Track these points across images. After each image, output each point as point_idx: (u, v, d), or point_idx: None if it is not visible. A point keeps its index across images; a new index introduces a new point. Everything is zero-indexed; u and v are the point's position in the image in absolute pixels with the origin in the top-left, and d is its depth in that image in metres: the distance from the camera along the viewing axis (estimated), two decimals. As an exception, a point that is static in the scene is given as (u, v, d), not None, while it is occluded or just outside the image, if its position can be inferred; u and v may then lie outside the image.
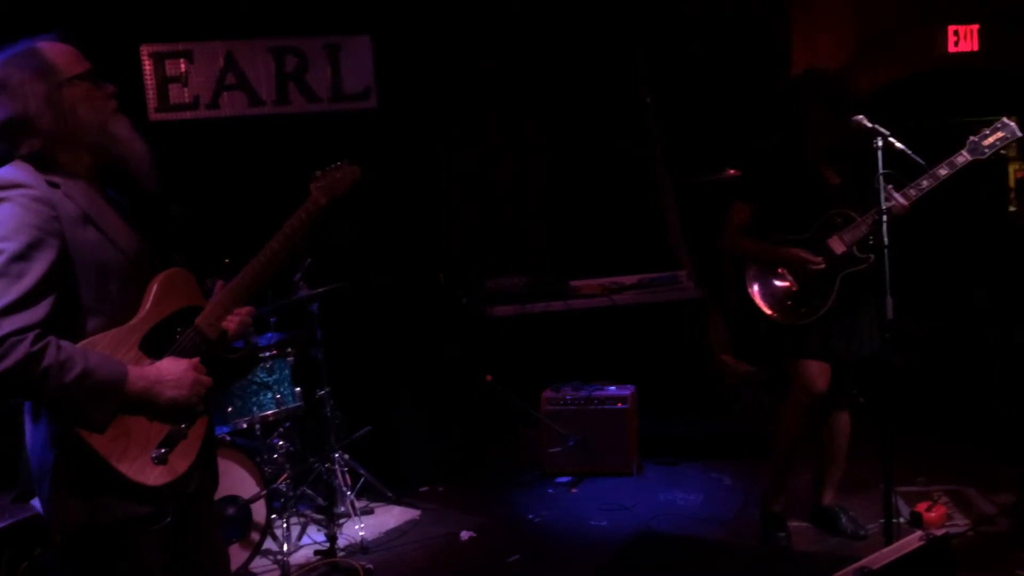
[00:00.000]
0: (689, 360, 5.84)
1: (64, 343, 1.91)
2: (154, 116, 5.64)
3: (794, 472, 3.91)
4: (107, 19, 5.18)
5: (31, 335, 1.85)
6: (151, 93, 5.64)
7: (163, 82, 5.66)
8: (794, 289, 3.58)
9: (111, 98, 2.15)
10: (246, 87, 5.78)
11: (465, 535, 4.28)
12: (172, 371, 2.06)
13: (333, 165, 2.52)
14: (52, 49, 2.09)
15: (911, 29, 6.13)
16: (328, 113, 5.88)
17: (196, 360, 2.13)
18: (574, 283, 5.87)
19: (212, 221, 4.74)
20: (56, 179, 2.02)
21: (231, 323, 2.27)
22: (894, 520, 3.25)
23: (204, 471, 2.25)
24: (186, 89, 5.70)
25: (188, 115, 5.71)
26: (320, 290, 4.35)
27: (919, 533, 2.37)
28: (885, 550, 2.36)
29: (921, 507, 3.88)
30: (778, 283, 3.63)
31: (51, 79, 2.04)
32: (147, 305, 2.12)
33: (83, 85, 2.09)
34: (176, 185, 4.90)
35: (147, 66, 5.64)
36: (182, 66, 5.69)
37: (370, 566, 3.92)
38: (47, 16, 4.87)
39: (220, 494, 3.78)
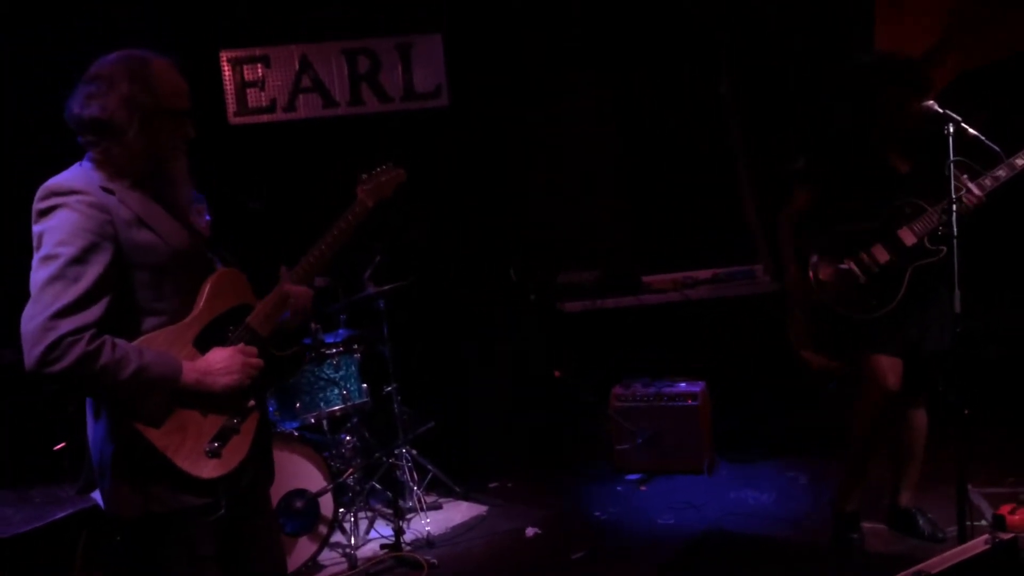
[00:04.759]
0: (766, 356, 5.70)
1: (119, 341, 1.98)
2: (233, 120, 5.81)
3: (869, 471, 3.78)
4: (187, 25, 5.36)
5: (87, 335, 1.93)
6: (230, 98, 5.80)
7: (241, 86, 5.81)
8: (862, 281, 3.46)
9: (184, 142, 2.23)
10: (321, 89, 5.90)
11: (530, 531, 4.29)
12: (220, 359, 2.13)
13: (378, 168, 2.57)
14: (168, 76, 2.17)
15: (1001, 10, 5.83)
16: (400, 112, 5.95)
17: (241, 344, 2.19)
18: (646, 278, 5.79)
19: (290, 218, 4.86)
20: (113, 185, 2.10)
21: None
22: (976, 523, 3.10)
23: (258, 465, 2.31)
24: (263, 93, 5.85)
25: (265, 118, 5.86)
26: (387, 287, 4.41)
27: (985, 536, 2.26)
28: (948, 553, 2.25)
29: (1004, 509, 3.69)
30: (845, 275, 3.50)
31: (156, 102, 2.12)
32: (200, 304, 2.19)
33: (174, 120, 2.17)
34: (255, 185, 5.10)
35: (226, 71, 5.81)
36: (259, 70, 5.84)
37: (434, 560, 3.96)
38: (133, 23, 5.09)
39: (288, 488, 3.88)
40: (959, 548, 2.32)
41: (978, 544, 2.26)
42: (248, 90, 5.84)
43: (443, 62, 5.95)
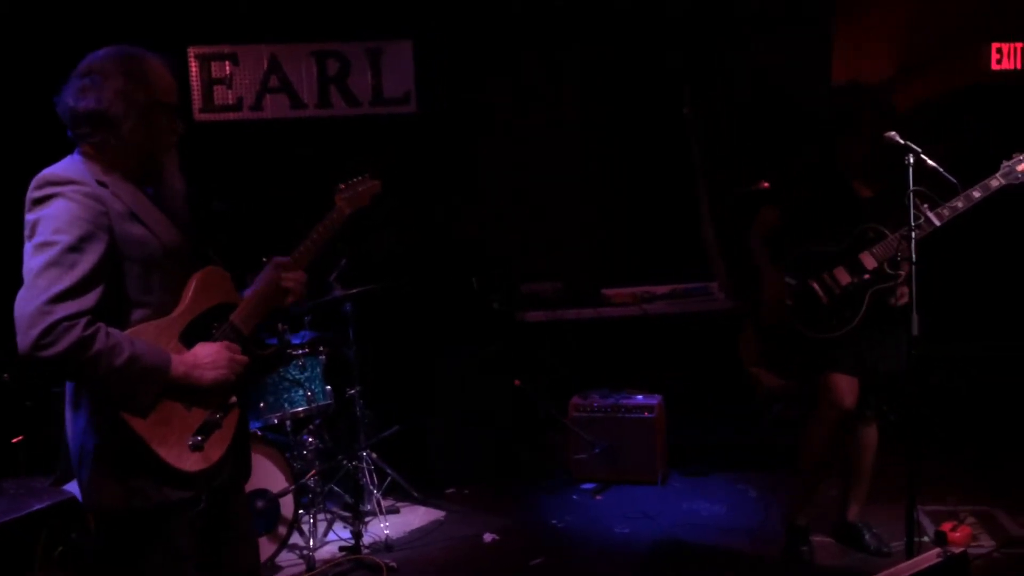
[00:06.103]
0: (719, 371, 5.83)
1: (112, 330, 2.00)
2: (199, 116, 5.78)
3: (821, 486, 3.91)
4: (156, 21, 5.33)
5: (83, 321, 1.94)
6: (196, 94, 5.77)
7: (208, 83, 5.79)
8: (824, 302, 3.59)
9: (176, 134, 2.28)
10: (289, 90, 5.89)
11: (488, 537, 4.34)
12: (207, 353, 2.16)
13: (356, 178, 2.65)
14: (160, 71, 2.22)
15: (954, 46, 6.06)
16: (368, 116, 5.97)
17: (227, 342, 2.22)
18: (606, 291, 5.88)
19: (254, 219, 4.85)
20: (106, 178, 2.12)
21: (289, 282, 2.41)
22: (919, 539, 3.22)
23: (237, 461, 2.34)
24: (230, 91, 5.83)
25: (232, 116, 5.84)
26: (353, 291, 4.43)
27: (936, 550, 2.37)
28: (901, 566, 2.36)
29: (946, 527, 3.85)
30: (807, 295, 3.62)
31: (150, 96, 2.16)
32: (186, 300, 2.21)
33: (166, 114, 2.22)
34: (219, 183, 5.07)
35: (193, 67, 5.78)
36: (227, 68, 5.82)
37: (393, 564, 3.98)
38: (102, 18, 5.03)
39: (250, 487, 3.84)
40: (911, 561, 2.42)
41: (930, 557, 2.37)
42: (215, 87, 5.83)
43: (412, 69, 5.98)
